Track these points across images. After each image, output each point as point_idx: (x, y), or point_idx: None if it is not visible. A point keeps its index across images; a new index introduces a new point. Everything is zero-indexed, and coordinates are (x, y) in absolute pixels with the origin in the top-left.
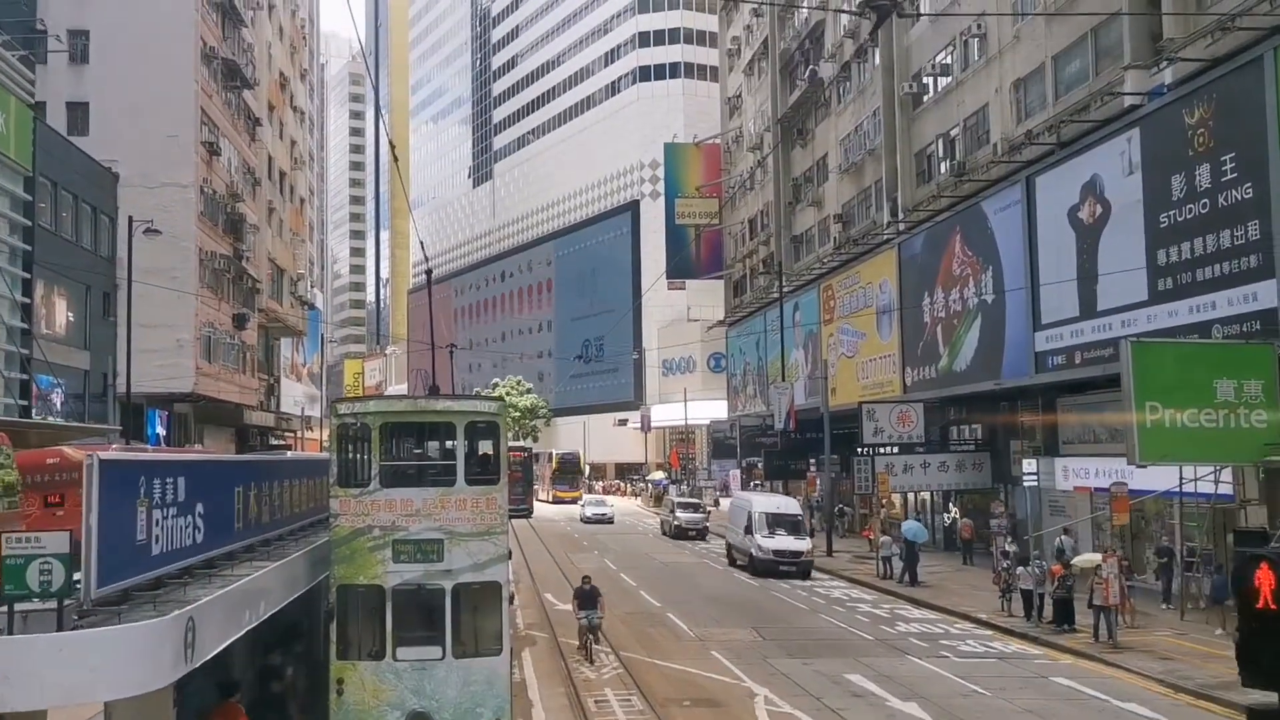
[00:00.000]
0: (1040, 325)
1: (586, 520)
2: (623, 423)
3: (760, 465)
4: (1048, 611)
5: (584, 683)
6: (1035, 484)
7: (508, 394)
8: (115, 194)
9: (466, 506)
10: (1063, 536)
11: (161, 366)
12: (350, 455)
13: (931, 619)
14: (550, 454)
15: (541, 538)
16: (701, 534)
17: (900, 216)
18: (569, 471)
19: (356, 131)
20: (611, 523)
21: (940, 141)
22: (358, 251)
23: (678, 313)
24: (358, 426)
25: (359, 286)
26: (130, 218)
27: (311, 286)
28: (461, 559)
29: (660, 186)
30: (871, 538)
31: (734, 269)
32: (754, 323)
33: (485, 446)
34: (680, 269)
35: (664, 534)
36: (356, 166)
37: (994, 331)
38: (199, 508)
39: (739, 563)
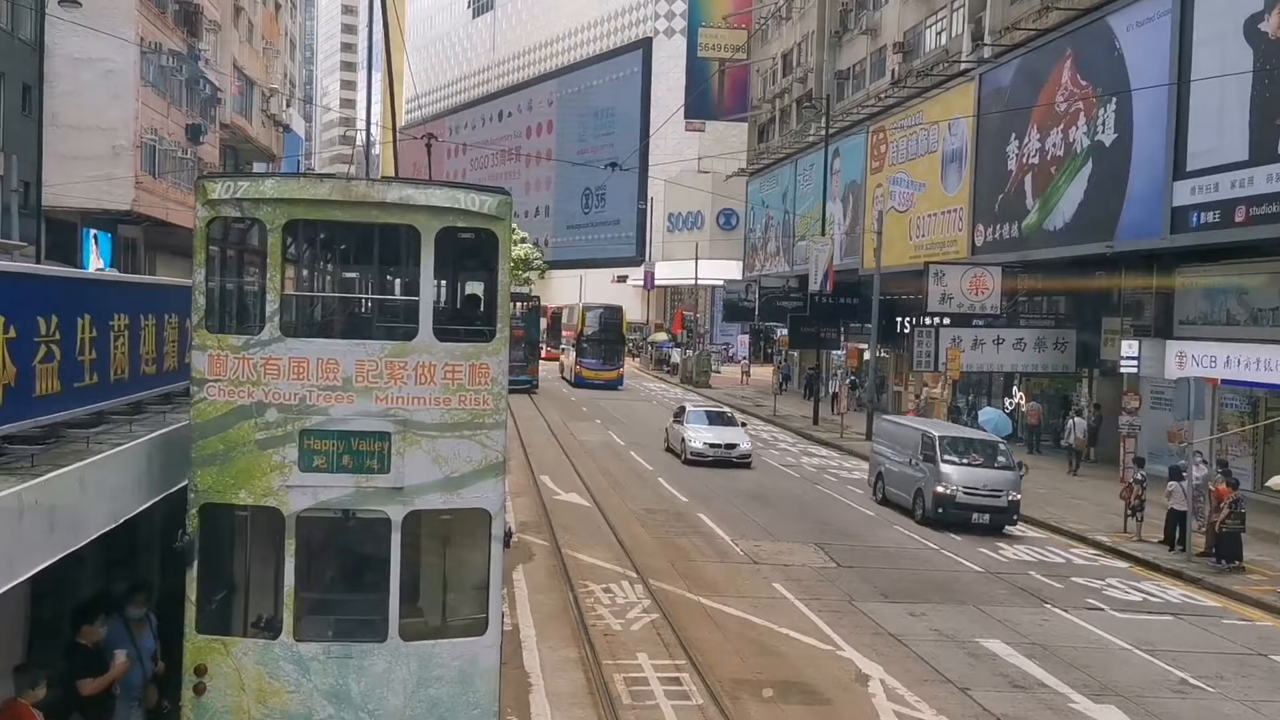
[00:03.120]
0: (1184, 173)
1: (696, 457)
2: (622, 279)
3: (783, 333)
4: (1195, 541)
5: (606, 639)
6: (1135, 370)
7: None
8: None
9: (434, 378)
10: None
11: (94, 179)
12: (228, 277)
13: (1039, 539)
14: (575, 309)
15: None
16: (1002, 518)
17: (986, 41)
18: (608, 339)
19: None
20: (749, 465)
21: None
22: (349, 84)
23: (687, 164)
24: (244, 224)
25: (349, 122)
26: None
27: (288, 106)
28: (422, 469)
29: (675, 24)
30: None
31: (760, 110)
32: (781, 172)
33: (473, 277)
34: (698, 108)
35: (877, 499)
36: (348, 10)
37: (1110, 180)
38: None
39: None
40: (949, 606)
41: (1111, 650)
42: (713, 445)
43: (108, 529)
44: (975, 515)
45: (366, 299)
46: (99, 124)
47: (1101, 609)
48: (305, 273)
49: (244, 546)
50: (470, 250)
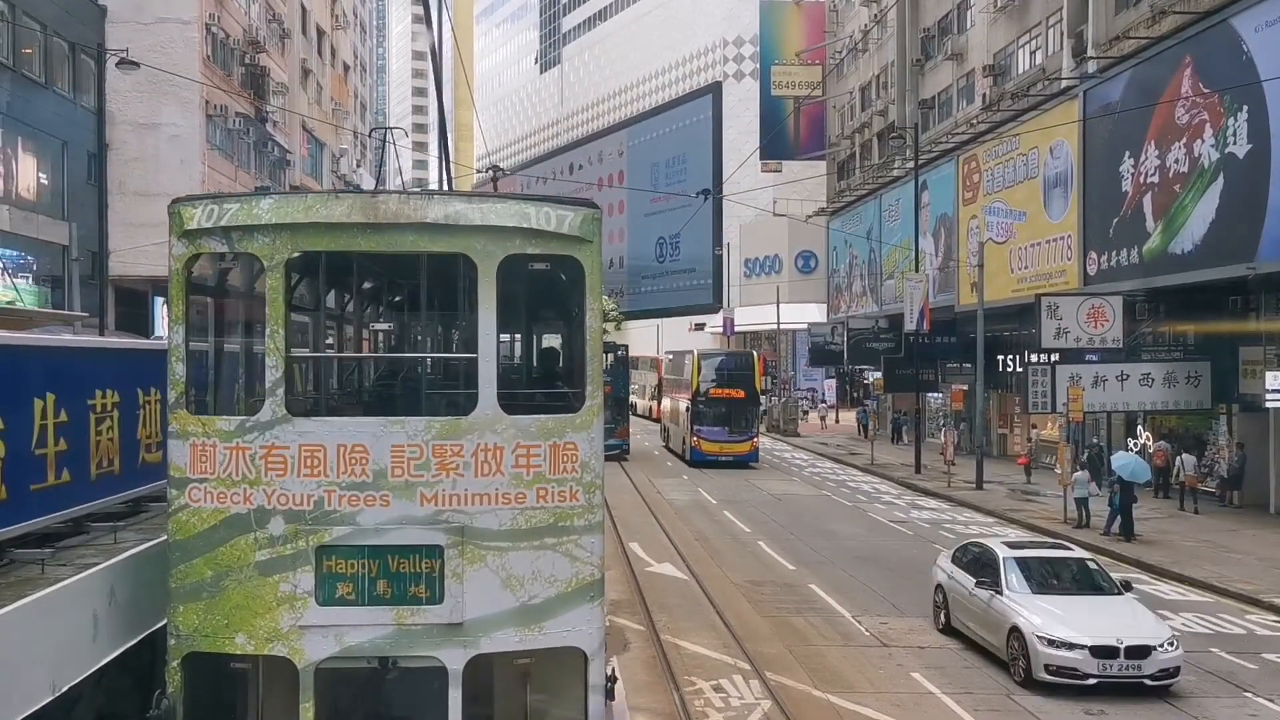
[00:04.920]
0: None
1: (1061, 678)
2: (700, 326)
3: (876, 376)
4: None
5: None
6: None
7: None
8: (102, 30)
9: (501, 465)
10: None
11: (162, 245)
12: (222, 336)
13: (1204, 604)
14: (686, 358)
15: None
16: None
17: (1090, 54)
18: (734, 398)
19: (418, 38)
20: (1169, 686)
21: None
22: (420, 146)
23: (762, 207)
24: (231, 263)
25: (421, 184)
26: (100, 44)
27: (358, 166)
28: (488, 595)
29: (744, 66)
30: (1028, 464)
31: (839, 147)
32: (864, 209)
33: (550, 325)
34: (775, 148)
35: None
36: (419, 74)
37: (1245, 195)
38: None
39: None
40: (1131, 699)
41: None
42: (1095, 652)
43: (42, 704)
44: None
45: (406, 359)
46: (165, 190)
47: None
48: (320, 326)
49: (245, 710)
50: (546, 287)
